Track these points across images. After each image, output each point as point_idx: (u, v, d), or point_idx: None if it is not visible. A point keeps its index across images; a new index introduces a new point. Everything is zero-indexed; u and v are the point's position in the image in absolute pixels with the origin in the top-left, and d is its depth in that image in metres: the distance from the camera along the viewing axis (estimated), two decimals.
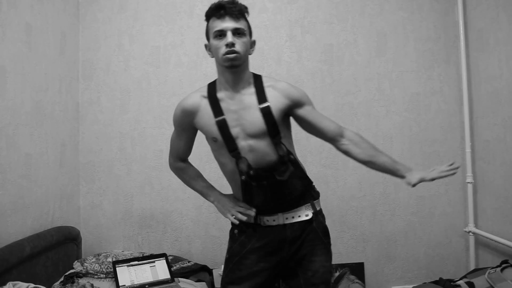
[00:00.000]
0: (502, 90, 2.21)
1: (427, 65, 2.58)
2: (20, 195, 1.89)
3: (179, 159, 1.52)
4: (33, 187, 2.00)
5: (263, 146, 1.31)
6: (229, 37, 1.25)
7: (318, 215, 1.43)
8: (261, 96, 1.32)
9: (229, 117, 1.31)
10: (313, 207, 1.41)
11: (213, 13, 1.29)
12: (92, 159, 2.49)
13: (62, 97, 2.30)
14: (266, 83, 1.35)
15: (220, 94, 1.34)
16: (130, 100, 2.51)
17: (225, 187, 1.48)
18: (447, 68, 2.58)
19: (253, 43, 1.37)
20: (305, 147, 2.51)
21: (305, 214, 1.38)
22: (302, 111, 1.38)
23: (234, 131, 1.31)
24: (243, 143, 1.31)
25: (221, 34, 1.27)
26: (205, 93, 1.36)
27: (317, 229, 1.40)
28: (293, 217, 1.37)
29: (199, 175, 1.54)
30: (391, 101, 2.57)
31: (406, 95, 2.57)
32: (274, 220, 1.37)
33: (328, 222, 2.53)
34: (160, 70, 2.52)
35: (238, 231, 1.40)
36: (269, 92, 1.33)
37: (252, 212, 1.35)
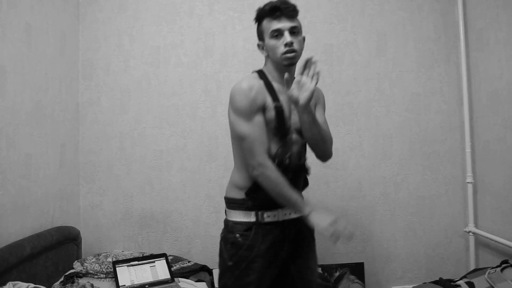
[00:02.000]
0: (502, 90, 2.22)
1: (427, 65, 2.58)
2: (20, 195, 1.89)
3: (267, 155, 1.31)
4: (33, 187, 2.00)
5: (301, 142, 1.41)
6: (288, 37, 1.31)
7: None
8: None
9: (283, 105, 1.35)
10: None
11: (268, 14, 1.34)
12: (92, 159, 2.49)
13: (62, 97, 2.30)
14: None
15: (274, 84, 1.38)
16: (130, 100, 2.51)
17: (225, 187, 1.48)
18: (447, 68, 2.58)
19: (304, 40, 1.41)
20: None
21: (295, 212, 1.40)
22: (319, 111, 1.47)
23: (289, 120, 1.37)
24: (290, 134, 1.38)
25: (278, 33, 1.32)
26: (259, 80, 1.37)
27: (305, 228, 1.41)
28: (290, 213, 1.40)
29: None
30: (391, 101, 2.57)
31: (406, 95, 2.57)
32: (274, 216, 1.37)
33: None
34: (160, 70, 2.52)
35: (240, 235, 1.35)
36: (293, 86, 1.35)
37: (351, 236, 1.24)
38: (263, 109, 1.32)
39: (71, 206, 2.38)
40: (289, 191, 1.28)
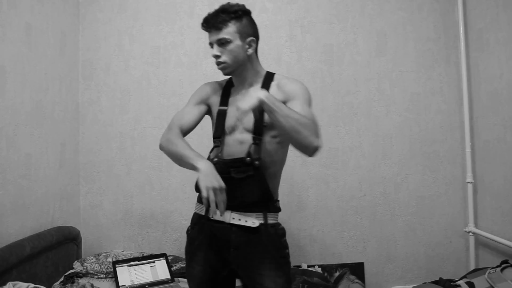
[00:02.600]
0: (502, 90, 2.22)
1: (427, 65, 2.58)
2: (20, 195, 1.89)
3: (180, 131, 1.40)
4: (33, 187, 2.00)
5: (239, 141, 1.35)
6: (214, 50, 1.35)
7: (269, 228, 1.33)
8: None
9: (231, 109, 1.38)
10: (265, 218, 1.33)
11: (201, 27, 1.39)
12: (92, 159, 2.49)
13: (62, 97, 2.30)
14: (275, 81, 1.39)
15: (233, 88, 1.44)
16: (130, 100, 2.51)
17: None
18: (447, 68, 2.58)
19: (250, 42, 1.36)
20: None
21: (251, 222, 1.30)
22: (289, 104, 1.28)
23: (230, 121, 1.38)
24: (233, 136, 1.37)
25: (211, 47, 1.37)
26: (223, 83, 1.48)
27: (266, 242, 1.32)
28: (239, 220, 1.31)
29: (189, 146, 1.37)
30: (391, 101, 2.57)
31: (406, 95, 2.57)
32: (221, 216, 1.29)
33: (328, 222, 2.56)
34: (160, 70, 2.52)
35: (190, 228, 1.43)
36: (271, 89, 1.36)
37: (218, 213, 1.23)
38: (208, 105, 1.45)
39: (71, 206, 2.38)
40: (188, 149, 1.30)
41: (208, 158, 1.38)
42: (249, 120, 1.33)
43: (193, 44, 2.52)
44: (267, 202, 1.35)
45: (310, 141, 1.19)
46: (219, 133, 1.40)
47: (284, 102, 1.28)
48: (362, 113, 2.56)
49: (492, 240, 2.26)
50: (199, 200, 1.43)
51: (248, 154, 1.31)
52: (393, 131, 2.56)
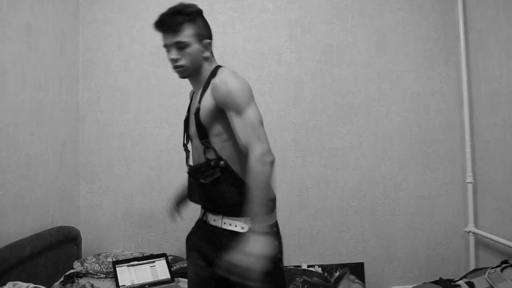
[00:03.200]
0: (502, 90, 2.22)
1: (427, 65, 2.58)
2: (20, 195, 1.89)
3: None
4: (33, 187, 2.00)
5: (197, 147, 1.34)
6: (171, 54, 1.29)
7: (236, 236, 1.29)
8: (201, 96, 1.29)
9: (191, 116, 1.38)
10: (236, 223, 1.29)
11: (155, 29, 1.33)
12: (92, 159, 2.49)
13: (62, 97, 2.30)
14: (214, 78, 1.27)
15: (193, 93, 1.42)
16: (130, 100, 2.51)
17: None
18: (447, 68, 2.58)
19: (207, 45, 1.33)
20: (305, 147, 2.51)
21: (241, 227, 1.24)
22: (227, 114, 1.22)
23: (191, 128, 1.39)
24: (192, 142, 1.39)
25: (166, 49, 1.32)
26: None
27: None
28: (230, 224, 1.26)
29: None
30: (391, 101, 2.57)
31: (406, 95, 2.57)
32: (214, 220, 1.31)
33: (328, 222, 2.56)
34: (160, 70, 2.52)
35: (192, 228, 1.46)
36: (208, 90, 1.28)
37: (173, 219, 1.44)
38: None
39: (71, 206, 2.38)
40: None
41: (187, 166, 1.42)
42: (192, 127, 1.35)
43: None
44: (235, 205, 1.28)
45: (265, 178, 1.13)
46: (185, 140, 1.46)
47: (219, 107, 1.23)
48: (362, 113, 2.56)
49: (492, 240, 2.26)
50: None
51: (207, 160, 1.28)
52: (393, 131, 2.56)
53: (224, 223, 1.28)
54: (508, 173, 2.19)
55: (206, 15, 2.77)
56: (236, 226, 1.26)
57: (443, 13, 2.59)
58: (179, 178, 2.50)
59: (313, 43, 2.55)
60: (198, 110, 1.28)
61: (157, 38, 2.50)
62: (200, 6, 2.57)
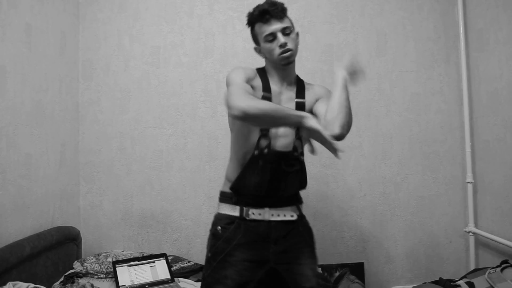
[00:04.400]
0: (502, 90, 2.22)
1: (427, 65, 2.58)
2: (20, 195, 1.89)
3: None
4: (33, 187, 2.00)
5: (288, 136, 1.37)
6: (281, 38, 1.33)
7: (303, 218, 1.45)
8: (300, 93, 1.42)
9: (275, 99, 1.37)
10: (299, 210, 1.44)
11: (258, 19, 1.36)
12: (92, 159, 2.49)
13: (62, 97, 2.30)
14: (307, 85, 1.48)
15: (270, 80, 1.42)
16: (130, 100, 2.51)
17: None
18: (447, 68, 2.58)
19: (298, 35, 1.43)
20: (305, 147, 2.51)
21: (290, 215, 1.39)
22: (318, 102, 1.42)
23: None
24: (277, 128, 1.37)
25: (272, 37, 1.35)
26: (256, 71, 1.43)
27: (303, 232, 1.41)
28: (278, 215, 1.37)
29: None
30: (391, 101, 2.57)
31: (406, 95, 2.57)
32: (260, 214, 1.35)
33: (328, 222, 2.56)
34: (160, 70, 2.52)
35: (222, 228, 1.37)
36: (307, 91, 1.44)
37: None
38: (251, 86, 1.33)
39: (71, 206, 2.38)
40: (283, 108, 1.26)
41: (257, 147, 1.33)
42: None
43: (193, 44, 2.51)
44: (299, 194, 1.46)
45: (350, 125, 1.32)
46: None
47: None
48: (362, 113, 2.56)
49: (492, 240, 2.26)
50: (229, 200, 1.40)
51: (294, 148, 1.37)
52: (393, 131, 2.56)
53: (272, 215, 1.37)
54: (508, 173, 2.19)
55: (206, 15, 2.77)
56: (285, 215, 1.39)
57: (443, 13, 2.59)
58: (179, 178, 2.50)
59: (313, 43, 2.55)
60: (303, 104, 1.40)
61: (157, 38, 2.52)
62: (200, 6, 2.58)
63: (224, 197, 1.42)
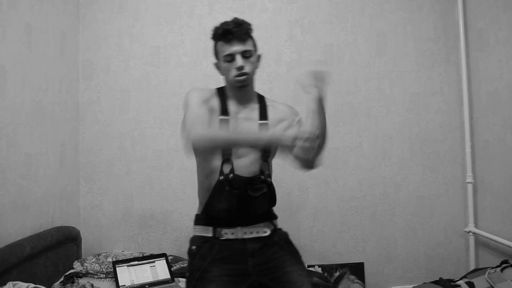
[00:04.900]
0: (502, 90, 2.22)
1: (427, 65, 2.58)
2: (20, 195, 1.89)
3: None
4: (33, 187, 2.00)
5: (252, 158, 1.36)
6: (239, 61, 1.32)
7: (278, 231, 1.45)
8: (263, 113, 1.41)
9: (233, 122, 1.37)
10: (273, 224, 1.44)
11: (220, 38, 1.35)
12: (92, 159, 2.49)
13: (62, 97, 2.30)
14: (268, 102, 1.46)
15: (229, 100, 1.42)
16: (130, 100, 2.51)
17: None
18: (447, 68, 2.58)
19: (259, 58, 1.43)
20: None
21: (263, 231, 1.39)
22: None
23: None
24: (239, 151, 1.35)
25: (230, 58, 1.34)
26: (215, 92, 1.44)
27: (278, 241, 1.40)
28: (251, 233, 1.37)
29: None
30: (391, 101, 2.57)
31: (406, 95, 2.57)
32: (232, 234, 1.35)
33: (328, 222, 2.56)
34: (160, 70, 2.52)
35: (196, 247, 1.37)
36: (270, 111, 1.43)
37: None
38: (208, 108, 1.35)
39: (71, 206, 2.38)
40: (244, 134, 1.27)
41: (221, 173, 1.33)
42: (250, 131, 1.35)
43: (193, 44, 2.51)
44: (271, 211, 1.46)
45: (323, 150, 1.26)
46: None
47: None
48: (362, 113, 2.56)
49: (492, 240, 2.26)
50: (201, 222, 1.41)
51: (261, 171, 1.36)
52: (393, 131, 2.56)
53: (245, 233, 1.37)
54: (508, 173, 2.19)
55: (206, 15, 2.77)
56: (258, 232, 1.38)
57: (443, 13, 2.59)
58: (179, 178, 2.50)
59: (313, 43, 2.55)
60: (267, 125, 1.38)
61: (157, 38, 2.52)
62: (200, 6, 2.58)
63: (197, 219, 1.44)
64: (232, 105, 1.40)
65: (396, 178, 2.56)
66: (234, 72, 1.34)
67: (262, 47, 2.51)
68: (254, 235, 1.37)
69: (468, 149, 2.47)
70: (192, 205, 2.52)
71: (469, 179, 2.45)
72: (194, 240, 1.41)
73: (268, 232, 1.39)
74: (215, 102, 1.39)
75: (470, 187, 2.46)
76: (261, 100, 1.46)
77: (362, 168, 2.55)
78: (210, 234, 1.37)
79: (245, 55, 1.34)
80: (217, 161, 1.34)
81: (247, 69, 1.34)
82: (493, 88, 2.29)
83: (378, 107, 2.56)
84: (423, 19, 2.59)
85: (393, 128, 2.56)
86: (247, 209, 1.35)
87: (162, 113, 2.51)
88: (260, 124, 1.38)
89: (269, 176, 1.41)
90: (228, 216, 1.36)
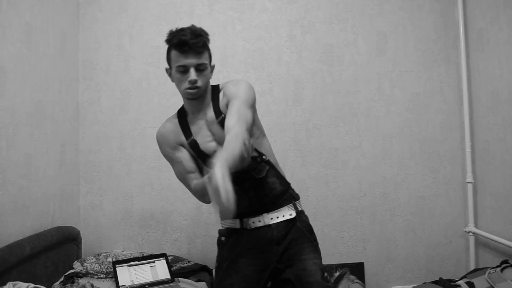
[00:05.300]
0: (502, 90, 2.21)
1: (427, 65, 2.58)
2: (20, 195, 1.89)
3: (196, 177, 1.41)
4: (33, 187, 2.00)
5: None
6: (193, 75, 1.30)
7: (301, 214, 1.45)
8: (216, 110, 1.37)
9: (201, 135, 1.38)
10: (295, 207, 1.45)
11: (175, 47, 1.31)
12: (92, 159, 2.49)
13: (62, 97, 2.30)
14: (221, 90, 1.41)
15: (189, 117, 1.43)
16: (130, 100, 2.51)
17: None
18: (447, 68, 2.58)
19: (213, 69, 1.41)
20: (305, 147, 2.51)
21: (289, 214, 1.41)
22: (229, 104, 1.33)
23: (211, 145, 1.37)
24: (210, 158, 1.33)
25: (184, 70, 1.31)
26: (175, 119, 1.45)
27: (301, 228, 1.42)
28: (277, 217, 1.39)
29: None
30: (391, 101, 2.57)
31: (406, 95, 2.57)
32: (259, 221, 1.39)
33: (328, 222, 2.56)
34: (160, 70, 2.51)
35: (225, 238, 1.43)
36: (221, 101, 1.39)
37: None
38: (181, 145, 1.41)
39: (71, 206, 2.38)
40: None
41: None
42: (219, 132, 1.34)
43: None
44: (289, 190, 1.45)
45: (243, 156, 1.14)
46: (204, 157, 1.39)
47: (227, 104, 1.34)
48: (362, 113, 2.56)
49: (492, 240, 2.26)
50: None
51: (252, 157, 1.33)
52: (393, 131, 2.56)
53: (271, 219, 1.38)
54: (508, 173, 2.18)
55: (206, 15, 2.77)
56: (284, 216, 1.40)
57: (443, 13, 2.59)
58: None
59: (313, 43, 2.55)
60: (224, 119, 1.33)
61: (157, 38, 2.52)
62: (200, 6, 2.58)
63: None
64: (191, 118, 1.42)
65: (396, 178, 2.56)
66: (186, 85, 1.32)
67: (262, 47, 2.54)
68: (281, 219, 1.39)
69: (468, 149, 2.47)
70: (192, 205, 2.53)
71: (469, 179, 2.45)
72: (223, 231, 1.45)
73: (293, 215, 1.41)
74: (179, 131, 1.42)
75: (470, 187, 2.46)
76: (214, 94, 1.41)
77: (362, 168, 2.55)
78: (238, 226, 1.40)
79: (199, 68, 1.31)
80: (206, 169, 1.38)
81: (199, 83, 1.31)
82: (493, 88, 2.29)
83: (378, 107, 2.56)
84: (423, 19, 2.59)
85: (393, 128, 2.56)
86: (265, 192, 1.37)
87: (162, 113, 2.50)
88: (219, 122, 1.35)
89: (263, 154, 1.40)
90: (253, 208, 1.38)
